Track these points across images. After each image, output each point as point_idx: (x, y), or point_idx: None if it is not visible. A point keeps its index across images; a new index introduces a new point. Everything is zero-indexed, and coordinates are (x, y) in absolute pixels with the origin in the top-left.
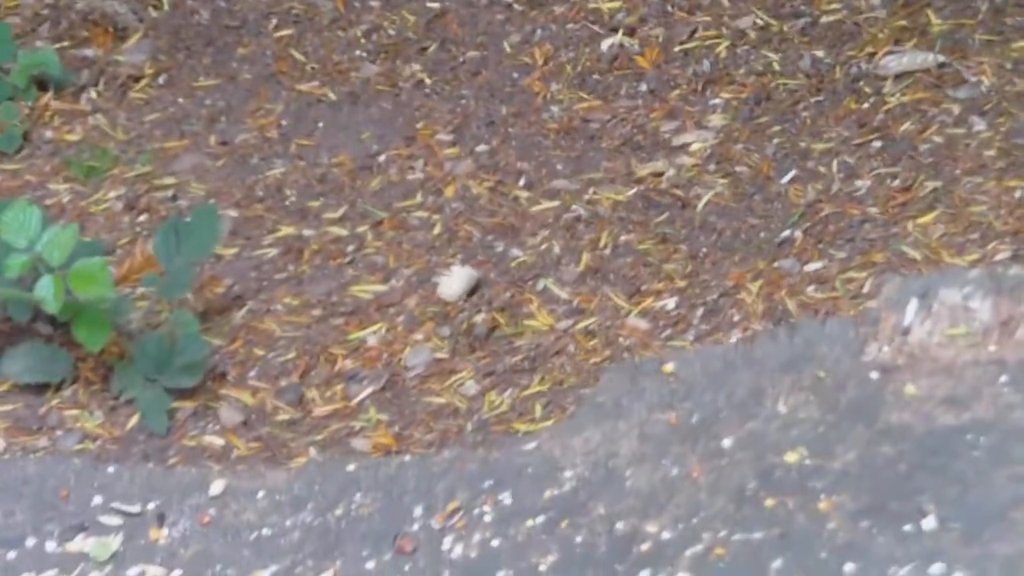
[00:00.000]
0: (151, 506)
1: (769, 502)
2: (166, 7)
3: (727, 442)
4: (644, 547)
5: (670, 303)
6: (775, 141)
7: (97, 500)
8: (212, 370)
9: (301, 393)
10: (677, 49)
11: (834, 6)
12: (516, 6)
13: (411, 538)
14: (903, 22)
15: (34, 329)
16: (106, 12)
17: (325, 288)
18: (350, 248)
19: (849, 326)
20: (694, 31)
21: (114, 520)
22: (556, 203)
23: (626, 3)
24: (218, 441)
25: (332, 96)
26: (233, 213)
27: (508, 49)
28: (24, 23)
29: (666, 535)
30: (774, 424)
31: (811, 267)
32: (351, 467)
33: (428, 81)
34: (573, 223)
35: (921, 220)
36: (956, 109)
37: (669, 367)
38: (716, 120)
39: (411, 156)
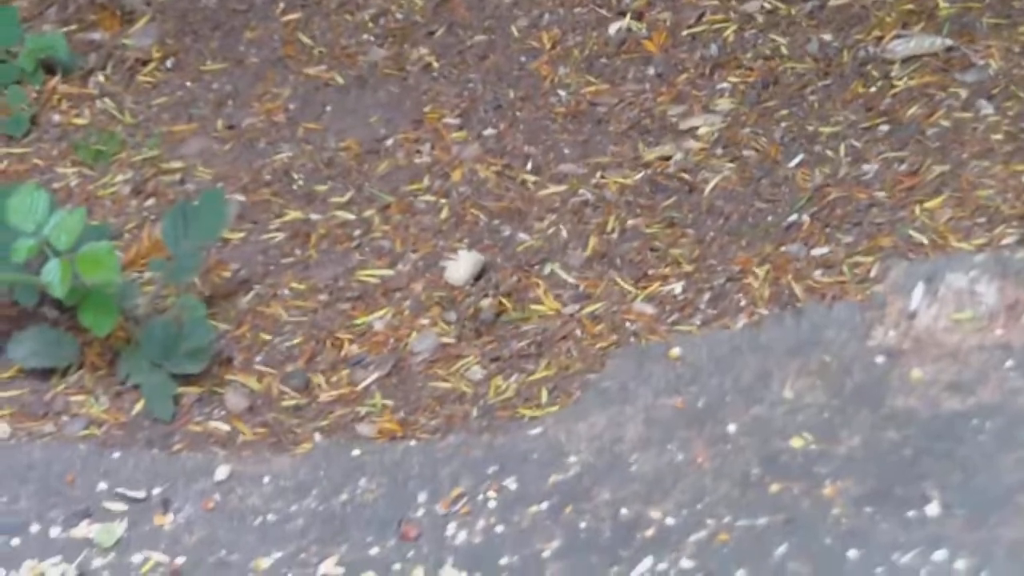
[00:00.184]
0: (156, 492)
1: (774, 487)
2: None
3: (732, 427)
4: (648, 533)
5: (677, 288)
6: (782, 125)
7: (102, 486)
8: (218, 355)
9: (307, 378)
10: (685, 33)
11: None
12: None
13: (415, 524)
14: (910, 5)
15: (40, 313)
16: None
17: (332, 273)
18: (357, 232)
19: (855, 310)
20: (702, 15)
21: (119, 506)
22: (563, 187)
23: None
24: (223, 427)
25: (339, 80)
26: (240, 197)
27: (516, 33)
28: (31, 7)
29: (670, 521)
30: (780, 409)
31: (818, 251)
32: (356, 452)
33: (435, 65)
34: (580, 207)
35: (928, 204)
36: (964, 93)
37: (675, 352)
38: (723, 104)
39: (418, 140)
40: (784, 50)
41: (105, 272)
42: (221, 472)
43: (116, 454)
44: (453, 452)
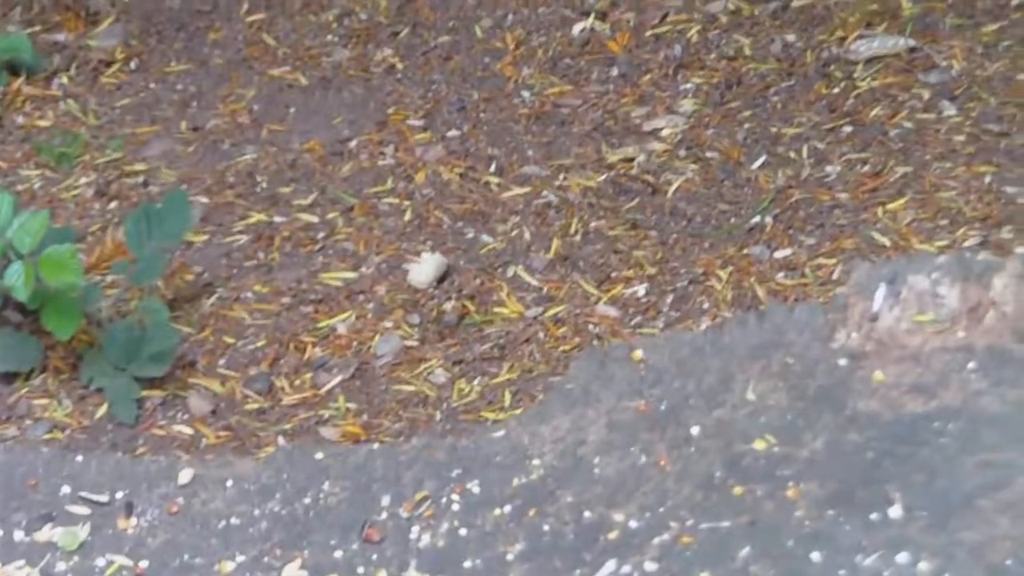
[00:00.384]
0: (119, 495)
1: (737, 490)
2: None
3: (695, 430)
4: (612, 536)
5: (640, 290)
6: (745, 126)
7: (65, 489)
8: (181, 359)
9: (270, 382)
10: (648, 33)
11: None
12: None
13: (379, 527)
14: (874, 6)
15: (4, 317)
16: None
17: (295, 275)
18: (320, 235)
19: (818, 312)
20: (665, 15)
21: (82, 510)
22: (526, 189)
23: None
24: (187, 430)
25: (303, 81)
26: (204, 199)
27: (480, 34)
28: None
29: (633, 524)
30: (743, 411)
31: (780, 253)
32: (319, 456)
33: (399, 66)
34: (543, 209)
35: (891, 206)
36: (926, 94)
37: (638, 354)
38: (687, 105)
39: (382, 142)
40: (747, 51)
41: (68, 275)
42: (184, 476)
43: (79, 458)
44: (416, 455)
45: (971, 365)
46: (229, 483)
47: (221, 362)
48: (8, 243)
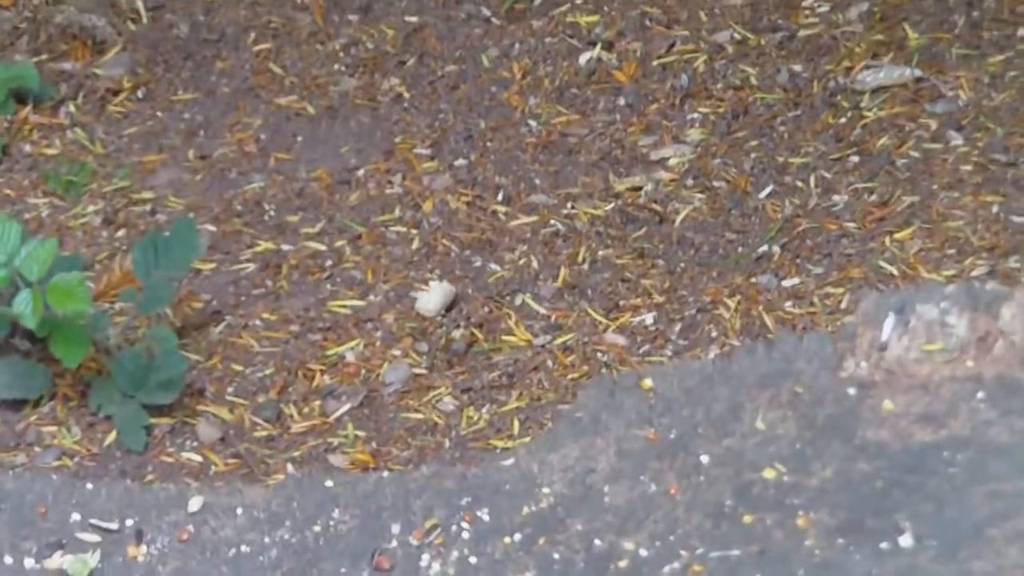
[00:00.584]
0: (129, 523)
1: (747, 519)
2: (145, 20)
3: (705, 458)
4: (622, 564)
5: (648, 318)
6: (752, 156)
7: (75, 517)
8: (190, 386)
9: (279, 409)
10: (655, 63)
11: (811, 20)
12: (494, 20)
13: (389, 555)
14: (880, 36)
15: (12, 344)
16: (85, 25)
17: (303, 303)
18: (328, 263)
19: (827, 341)
20: (672, 45)
21: (92, 537)
22: (534, 218)
23: (604, 17)
24: (196, 458)
25: (311, 110)
26: (211, 228)
27: (486, 63)
28: (2, 36)
29: (644, 552)
30: (752, 440)
31: (788, 282)
32: (329, 483)
33: (406, 95)
34: (551, 238)
35: (898, 235)
36: (933, 124)
37: (647, 383)
38: (694, 134)
39: (389, 170)
40: (754, 81)
41: (76, 303)
42: (194, 503)
43: (89, 485)
44: (426, 483)
45: (980, 395)
46: (239, 511)
47: (229, 389)
48: (16, 271)
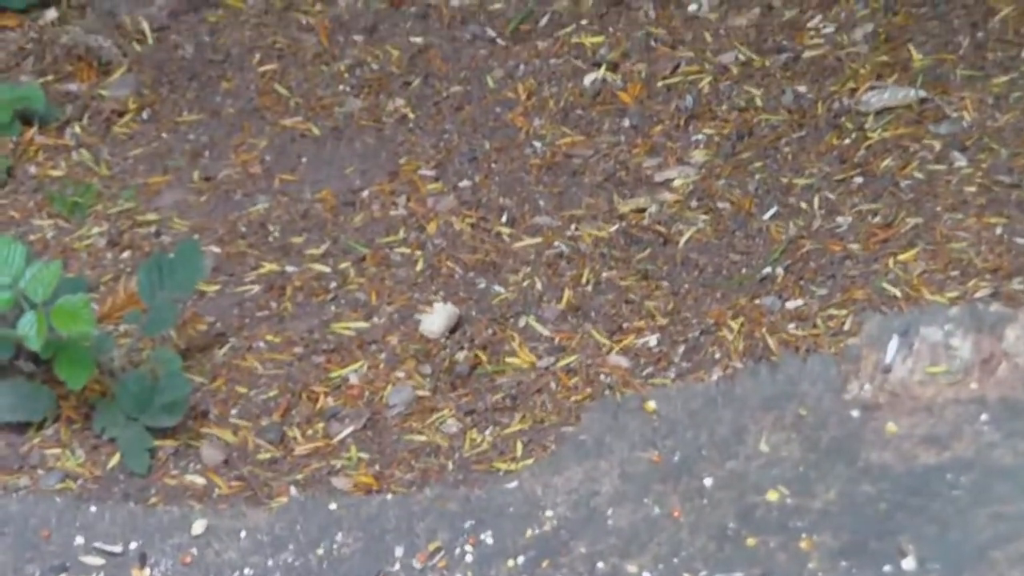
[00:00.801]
0: (133, 546)
1: (750, 541)
2: (150, 41)
3: (709, 481)
4: None
5: (651, 340)
6: (757, 177)
7: (79, 540)
8: (194, 408)
9: (282, 431)
10: (660, 84)
11: (816, 41)
12: (499, 41)
13: None
14: (885, 57)
15: (16, 367)
16: (90, 46)
17: (307, 325)
18: (332, 285)
19: (831, 364)
20: (676, 66)
21: (96, 560)
22: (538, 239)
23: (609, 38)
24: (199, 480)
25: (315, 131)
26: (216, 249)
27: (491, 84)
28: (8, 57)
29: (647, 575)
30: (756, 463)
31: (792, 304)
32: (333, 506)
33: (411, 116)
34: (555, 260)
35: (902, 257)
36: (937, 145)
37: (651, 405)
38: (698, 156)
39: (394, 192)
40: (759, 102)
41: (81, 325)
42: (198, 526)
43: (93, 508)
44: (429, 506)
45: (984, 417)
46: (243, 534)
47: (233, 412)
48: (21, 293)
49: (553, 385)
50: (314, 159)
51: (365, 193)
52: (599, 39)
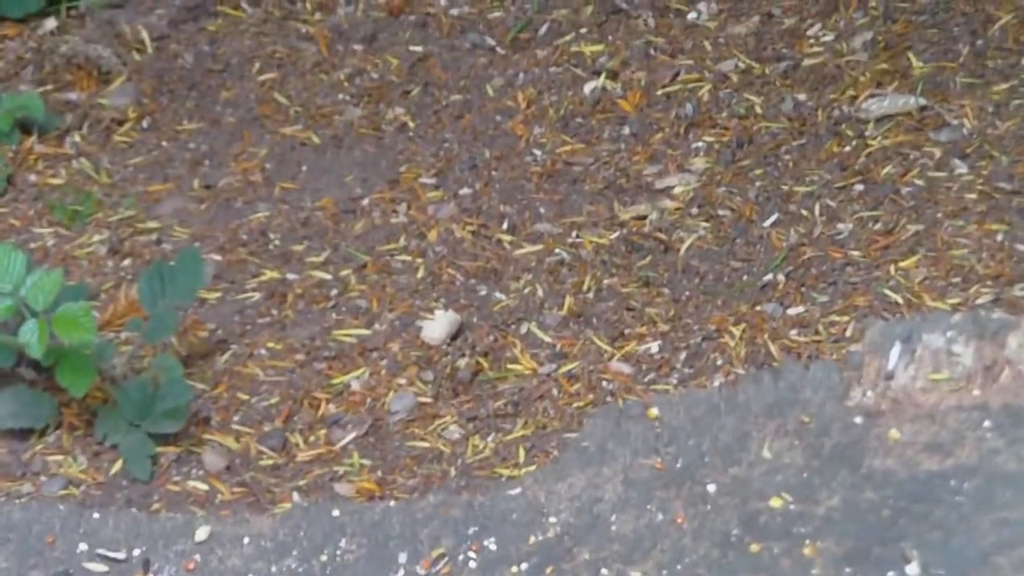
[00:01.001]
0: (136, 552)
1: (754, 548)
2: (150, 51)
3: (712, 487)
4: None
5: (653, 347)
6: (757, 184)
7: (82, 547)
8: (195, 415)
9: (284, 438)
10: (659, 92)
11: (816, 49)
12: (499, 50)
13: None
14: (885, 65)
15: (18, 374)
16: (90, 56)
17: (308, 332)
18: (333, 292)
19: (833, 370)
20: (676, 74)
21: (100, 567)
22: (539, 247)
23: (608, 47)
24: (202, 486)
25: (315, 139)
26: (217, 257)
27: (491, 93)
28: (7, 66)
29: None
30: (759, 469)
31: (793, 311)
32: (336, 513)
33: (411, 124)
34: (556, 267)
35: (903, 263)
36: (938, 152)
37: (654, 411)
38: (698, 163)
39: (394, 199)
40: (759, 109)
41: (82, 332)
42: (201, 533)
43: (96, 514)
44: (433, 512)
45: (987, 423)
46: (246, 540)
47: (235, 418)
48: (22, 301)
49: (555, 391)
50: (314, 167)
51: (366, 201)
52: (599, 47)
